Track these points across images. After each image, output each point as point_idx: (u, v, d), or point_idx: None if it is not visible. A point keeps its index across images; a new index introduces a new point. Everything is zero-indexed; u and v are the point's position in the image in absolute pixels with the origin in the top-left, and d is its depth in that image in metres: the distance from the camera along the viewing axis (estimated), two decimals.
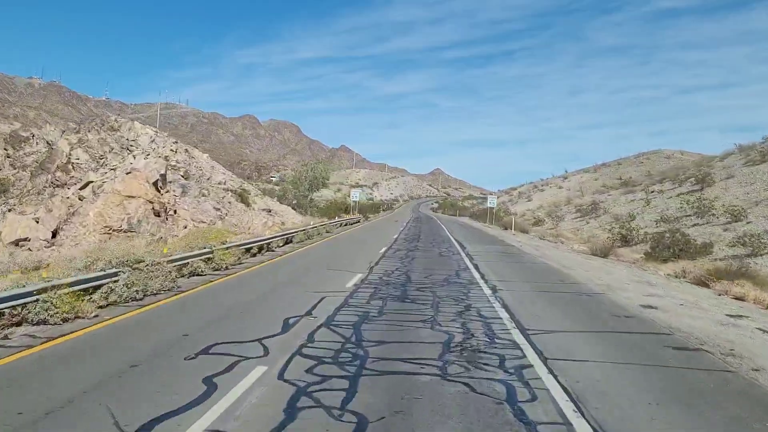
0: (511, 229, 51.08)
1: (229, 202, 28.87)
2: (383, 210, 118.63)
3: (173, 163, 27.08)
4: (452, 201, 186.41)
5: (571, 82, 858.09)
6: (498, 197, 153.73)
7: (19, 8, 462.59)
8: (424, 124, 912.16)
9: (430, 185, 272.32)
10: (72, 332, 9.36)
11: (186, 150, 29.87)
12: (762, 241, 30.13)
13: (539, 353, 8.76)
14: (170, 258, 14.52)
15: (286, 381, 7.05)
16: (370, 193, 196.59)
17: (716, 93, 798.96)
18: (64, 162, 26.03)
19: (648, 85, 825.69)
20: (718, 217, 39.56)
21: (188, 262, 15.77)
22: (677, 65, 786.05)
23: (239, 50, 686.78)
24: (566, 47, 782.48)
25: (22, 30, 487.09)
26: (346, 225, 46.90)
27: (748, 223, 36.01)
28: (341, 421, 5.81)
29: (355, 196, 69.91)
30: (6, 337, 8.98)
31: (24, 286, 9.93)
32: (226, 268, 17.75)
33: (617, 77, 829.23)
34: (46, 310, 9.62)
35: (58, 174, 25.16)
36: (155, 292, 12.91)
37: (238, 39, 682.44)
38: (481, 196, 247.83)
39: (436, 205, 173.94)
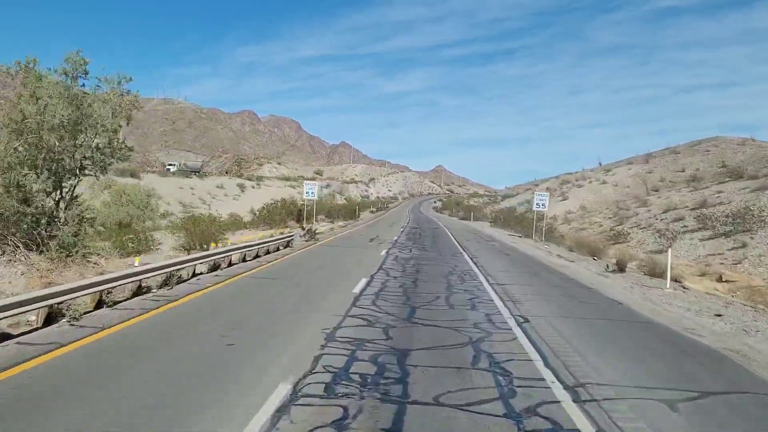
0: (616, 266, 20.07)
1: None
2: (372, 211, 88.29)
3: None
4: (457, 199, 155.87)
5: (571, 82, 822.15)
6: (513, 195, 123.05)
7: (20, 4, 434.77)
8: (425, 124, 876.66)
9: (432, 182, 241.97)
10: None
11: None
12: None
13: None
14: None
15: None
16: (366, 190, 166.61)
17: (716, 92, 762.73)
18: None
19: (648, 85, 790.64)
20: None
21: None
22: (677, 65, 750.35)
23: (240, 49, 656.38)
24: (566, 47, 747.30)
25: (24, 26, 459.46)
26: (214, 269, 15.66)
27: None
28: None
29: (311, 192, 39.99)
30: None
31: None
32: None
33: (617, 77, 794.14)
34: None
35: None
36: None
37: (238, 37, 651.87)
38: (487, 194, 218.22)
39: (439, 204, 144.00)
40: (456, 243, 30.44)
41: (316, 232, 29.39)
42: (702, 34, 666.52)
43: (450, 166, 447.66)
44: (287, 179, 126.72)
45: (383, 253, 22.84)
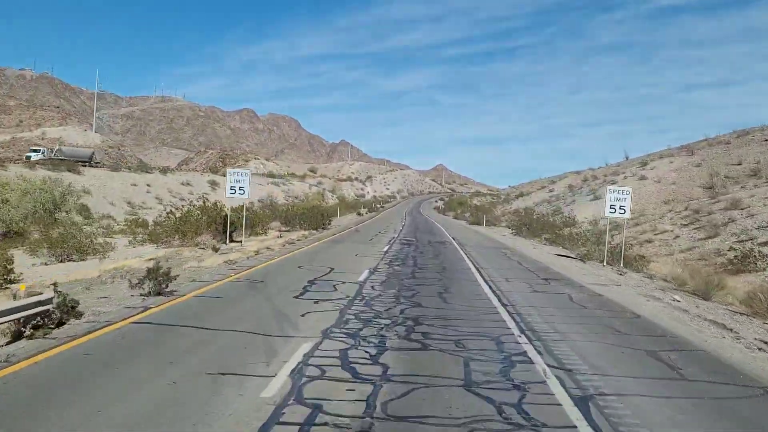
0: None
1: None
2: (360, 213, 71.89)
3: None
4: (460, 198, 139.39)
5: (572, 80, 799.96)
6: (525, 193, 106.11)
7: (22, 3, 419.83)
8: (426, 122, 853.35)
9: (433, 180, 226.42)
10: None
11: None
12: None
13: None
14: None
15: None
16: (362, 189, 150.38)
17: (717, 90, 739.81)
18: None
19: (649, 83, 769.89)
20: None
21: None
22: (678, 63, 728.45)
23: (240, 47, 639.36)
24: (567, 45, 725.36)
25: (22, 23, 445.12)
26: None
27: None
28: None
29: (239, 186, 23.62)
30: None
31: None
32: None
33: (618, 75, 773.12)
34: None
35: None
36: None
37: (239, 36, 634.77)
38: (490, 192, 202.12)
39: (441, 204, 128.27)
40: (488, 290, 14.02)
41: (175, 270, 12.81)
42: (702, 32, 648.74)
43: (451, 165, 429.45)
44: (272, 176, 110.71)
45: (285, 371, 6.64)
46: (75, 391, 6.10)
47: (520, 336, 9.39)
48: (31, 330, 8.21)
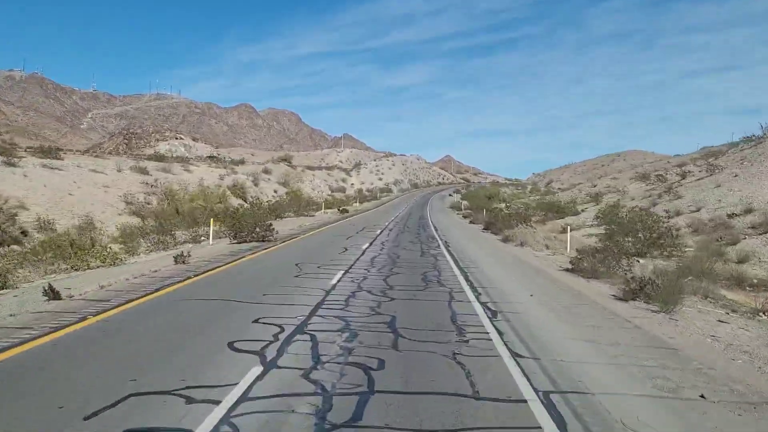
0: None
1: None
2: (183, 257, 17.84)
3: None
4: (487, 190, 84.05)
5: (574, 70, 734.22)
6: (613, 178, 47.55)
7: (23, 4, 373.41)
8: (430, 116, 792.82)
9: (443, 169, 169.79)
10: None
11: None
12: None
13: None
14: None
15: None
16: (344, 180, 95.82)
17: (720, 76, 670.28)
18: None
19: (651, 71, 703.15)
20: None
21: None
22: (679, 49, 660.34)
23: (239, 47, 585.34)
24: (568, 35, 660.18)
25: (21, 22, 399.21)
26: None
27: None
28: None
29: None
30: None
31: None
32: None
33: (621, 63, 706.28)
34: None
35: None
36: None
37: (238, 36, 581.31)
38: (509, 182, 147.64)
39: (457, 198, 74.09)
40: None
41: None
42: (702, 17, 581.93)
43: (458, 157, 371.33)
44: (160, 160, 57.11)
45: None
46: None
47: None
48: None
